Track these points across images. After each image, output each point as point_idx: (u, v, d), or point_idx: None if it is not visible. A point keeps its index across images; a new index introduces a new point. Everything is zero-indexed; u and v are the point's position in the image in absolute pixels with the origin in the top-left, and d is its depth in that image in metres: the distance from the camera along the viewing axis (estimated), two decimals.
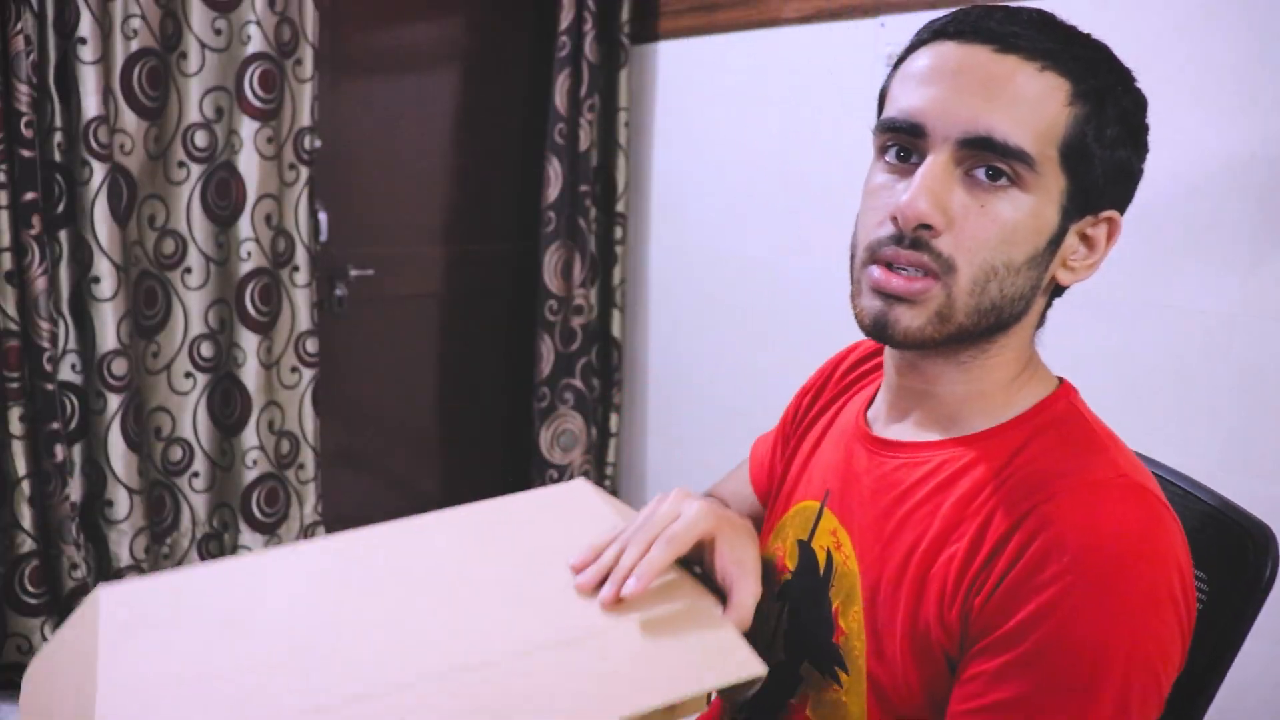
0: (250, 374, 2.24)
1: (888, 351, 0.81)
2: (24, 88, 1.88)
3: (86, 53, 1.95)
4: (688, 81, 2.60)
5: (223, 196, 2.18)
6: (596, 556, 0.76)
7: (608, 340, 2.82)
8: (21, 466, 1.99)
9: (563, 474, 2.79)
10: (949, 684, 0.69)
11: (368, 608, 0.74)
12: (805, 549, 0.83)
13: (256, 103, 2.14)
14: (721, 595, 0.77)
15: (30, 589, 2.05)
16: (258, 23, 2.10)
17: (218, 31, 2.11)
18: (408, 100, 2.58)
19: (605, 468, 2.88)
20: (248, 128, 2.14)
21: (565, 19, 2.56)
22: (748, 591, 0.76)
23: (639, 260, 2.79)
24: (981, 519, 0.69)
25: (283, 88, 2.18)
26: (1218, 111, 1.56)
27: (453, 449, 2.86)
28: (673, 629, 0.72)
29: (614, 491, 2.92)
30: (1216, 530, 0.81)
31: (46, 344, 1.98)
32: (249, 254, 2.20)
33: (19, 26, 1.87)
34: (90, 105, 1.96)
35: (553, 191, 2.64)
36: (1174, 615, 0.65)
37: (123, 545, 2.14)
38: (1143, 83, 0.74)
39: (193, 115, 2.11)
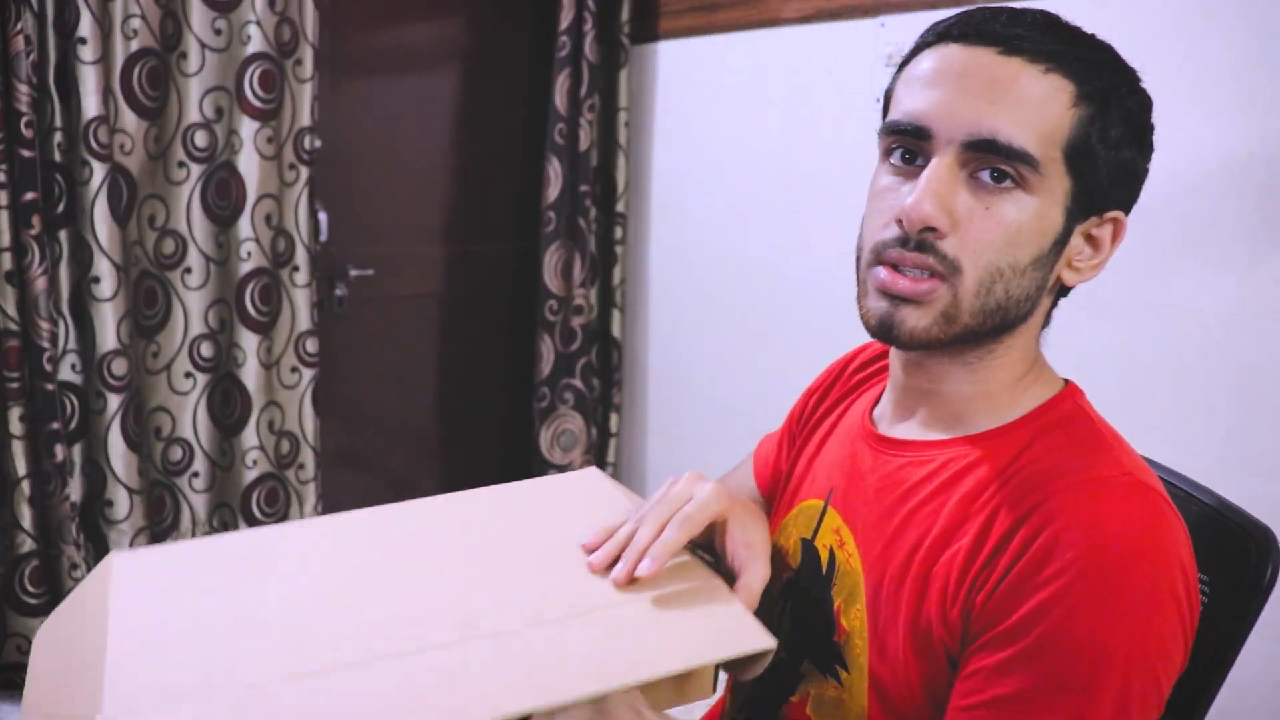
0: (250, 374, 2.24)
1: (893, 351, 0.82)
2: (24, 88, 1.88)
3: (86, 53, 1.95)
4: (688, 81, 2.60)
5: (223, 196, 2.18)
6: (608, 537, 0.77)
7: (608, 340, 2.82)
8: (21, 466, 1.99)
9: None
10: (950, 682, 0.69)
11: (378, 578, 0.75)
12: (808, 547, 0.84)
13: (256, 103, 2.14)
14: (730, 579, 0.78)
15: (30, 589, 2.05)
16: (258, 23, 2.10)
17: (218, 31, 2.11)
18: (408, 100, 2.58)
19: (605, 468, 2.88)
20: (248, 128, 2.14)
21: (565, 19, 2.56)
22: (757, 574, 0.77)
23: (639, 260, 2.80)
24: (985, 516, 0.69)
25: (283, 88, 2.18)
26: (1217, 111, 1.56)
27: (453, 449, 2.86)
28: (683, 604, 0.73)
29: None
30: (1218, 532, 0.81)
31: (46, 344, 1.98)
32: (249, 254, 2.20)
33: (19, 26, 1.87)
34: (90, 105, 1.96)
35: (553, 191, 2.64)
36: (1176, 614, 0.65)
37: (123, 545, 2.14)
38: (1142, 82, 0.74)
39: (193, 115, 2.11)
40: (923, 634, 0.71)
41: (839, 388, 0.94)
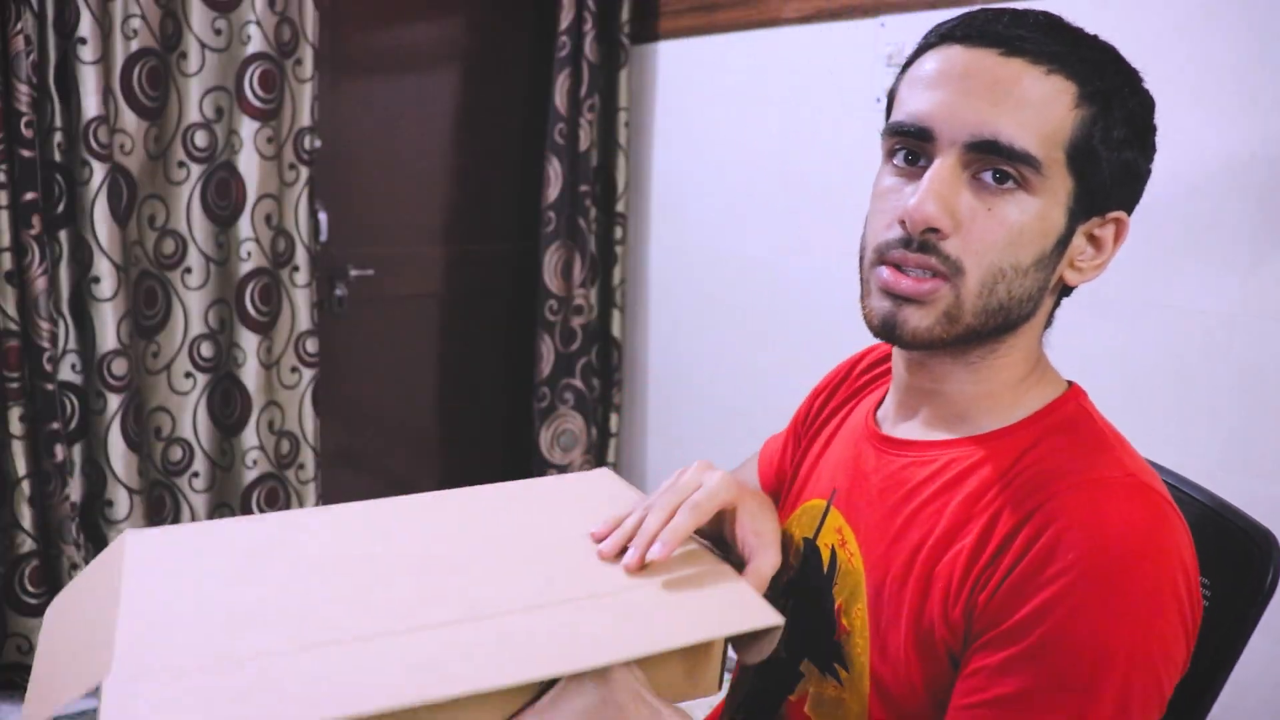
0: (250, 374, 2.24)
1: (896, 351, 0.82)
2: (24, 88, 1.88)
3: (86, 53, 1.95)
4: (688, 81, 2.60)
5: (223, 196, 2.18)
6: (617, 526, 0.78)
7: (608, 340, 2.82)
8: (21, 466, 1.99)
9: (562, 474, 2.79)
10: (951, 682, 0.70)
11: (385, 562, 0.76)
12: (810, 546, 0.84)
13: (256, 103, 2.14)
14: (740, 567, 0.78)
15: (30, 589, 2.05)
16: (258, 23, 2.10)
17: (218, 31, 2.11)
18: (408, 100, 2.58)
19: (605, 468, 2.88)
20: (248, 128, 2.14)
21: (565, 19, 2.56)
22: (767, 560, 0.77)
23: (639, 260, 2.80)
24: (988, 517, 0.70)
25: (283, 88, 2.18)
26: (1218, 111, 1.56)
27: (453, 449, 2.86)
28: (692, 586, 0.74)
29: None
30: (1219, 534, 0.81)
31: (46, 344, 1.98)
32: (249, 254, 2.20)
33: (19, 26, 1.86)
34: (90, 105, 1.96)
35: (553, 191, 2.64)
36: (1178, 615, 0.65)
37: None
38: (1144, 83, 0.74)
39: (193, 115, 2.11)
40: (925, 633, 0.71)
41: (845, 389, 0.94)
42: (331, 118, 2.41)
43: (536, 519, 0.84)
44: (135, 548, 0.75)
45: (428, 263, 2.70)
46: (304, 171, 2.23)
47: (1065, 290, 0.77)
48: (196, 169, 2.14)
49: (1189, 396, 1.63)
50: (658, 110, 2.69)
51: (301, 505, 2.36)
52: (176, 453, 2.23)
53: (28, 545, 2.03)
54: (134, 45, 2.01)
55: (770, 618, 0.72)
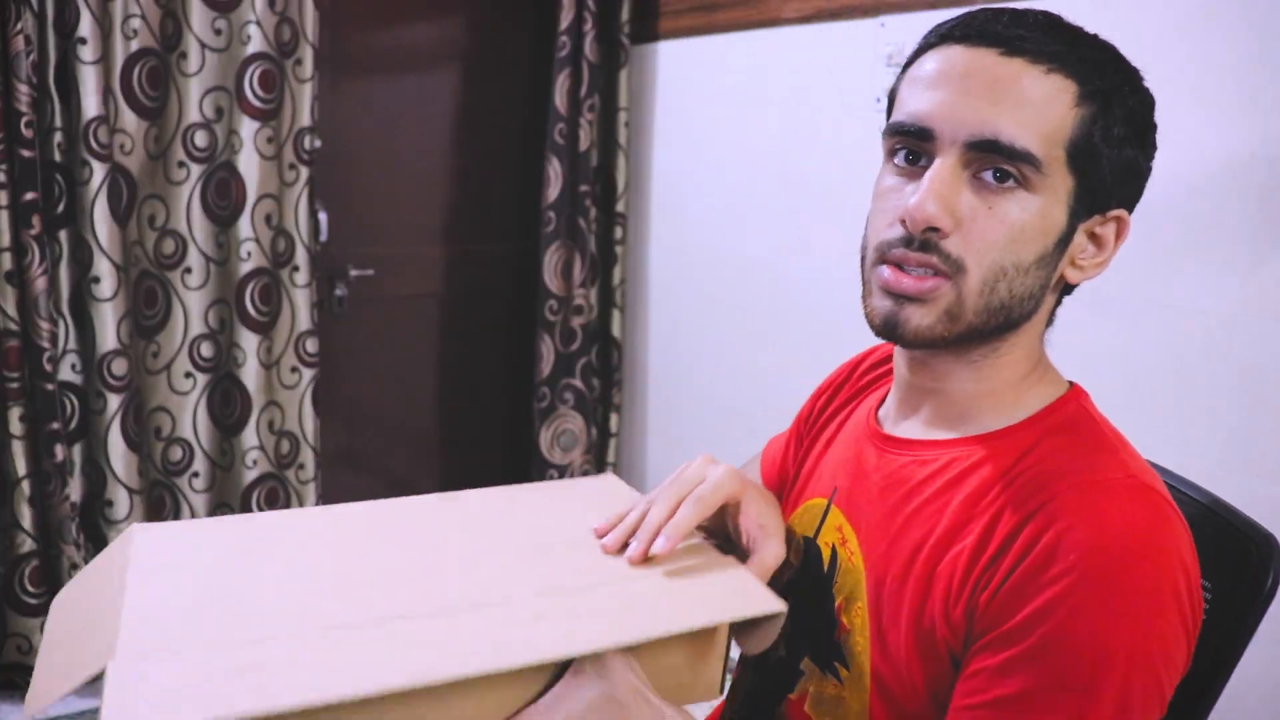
0: (250, 374, 2.24)
1: (898, 350, 0.82)
2: (24, 88, 1.88)
3: (86, 53, 1.95)
4: (688, 81, 2.60)
5: (223, 196, 2.18)
6: (620, 521, 0.78)
7: (608, 340, 2.82)
8: (21, 466, 1.99)
9: (563, 474, 2.79)
10: (952, 682, 0.70)
11: (391, 556, 0.76)
12: (810, 545, 0.84)
13: (256, 103, 2.14)
14: (743, 559, 0.79)
15: (30, 589, 2.05)
16: (258, 23, 2.10)
17: (218, 31, 2.11)
18: (408, 100, 2.58)
19: (605, 468, 2.88)
20: (248, 128, 2.14)
21: (565, 19, 2.56)
22: (770, 552, 0.78)
23: (639, 260, 2.80)
24: (989, 517, 0.70)
25: (283, 88, 2.18)
26: (1218, 111, 1.56)
27: (453, 449, 2.86)
28: (694, 575, 0.75)
29: None
30: (1219, 535, 0.81)
31: (46, 344, 1.98)
32: (249, 254, 2.20)
33: (19, 26, 1.86)
34: (90, 105, 1.96)
35: (553, 191, 2.64)
36: (1178, 616, 0.65)
37: None
38: (1144, 81, 0.74)
39: (193, 115, 2.11)
40: (926, 633, 0.71)
41: (848, 388, 0.94)
42: (331, 118, 2.41)
43: (539, 519, 0.85)
44: (142, 541, 0.76)
45: (428, 263, 2.70)
46: (304, 171, 2.23)
47: (1067, 289, 0.77)
48: (196, 169, 2.14)
49: (1189, 396, 1.63)
50: (658, 110, 2.69)
51: (301, 505, 2.36)
52: (176, 453, 2.23)
53: (28, 545, 2.03)
54: (134, 45, 2.01)
55: (773, 604, 0.72)
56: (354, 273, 2.53)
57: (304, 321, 2.29)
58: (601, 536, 0.78)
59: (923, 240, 0.70)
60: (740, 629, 0.75)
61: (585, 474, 2.83)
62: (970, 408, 0.77)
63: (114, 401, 2.07)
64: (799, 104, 2.28)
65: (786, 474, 0.97)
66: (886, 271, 0.72)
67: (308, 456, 2.34)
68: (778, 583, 0.84)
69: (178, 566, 0.73)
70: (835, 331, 2.16)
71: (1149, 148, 0.74)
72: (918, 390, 0.80)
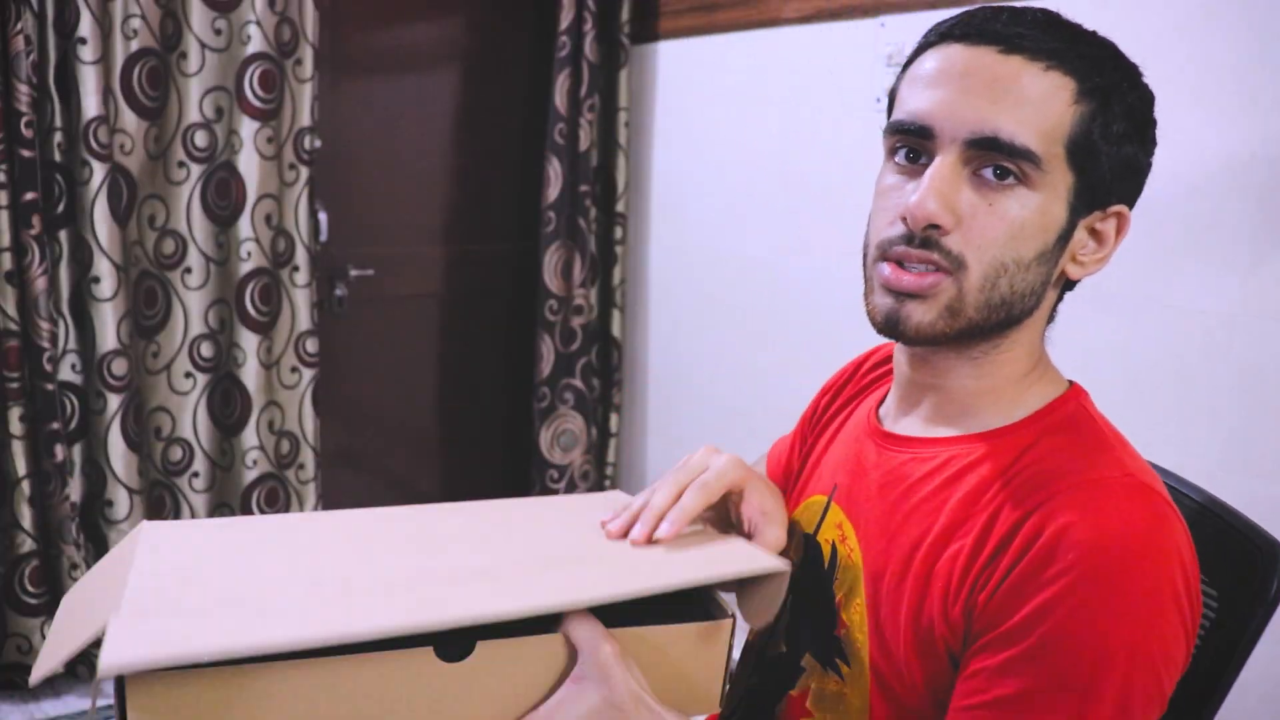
0: (250, 374, 2.24)
1: (899, 347, 0.82)
2: (24, 88, 1.88)
3: (86, 53, 1.95)
4: (688, 81, 2.60)
5: (223, 196, 2.18)
6: (624, 512, 0.79)
7: (608, 340, 2.82)
8: (21, 466, 1.99)
9: (563, 474, 2.79)
10: (951, 680, 0.70)
11: (398, 546, 0.77)
12: (810, 542, 0.84)
13: (256, 103, 2.14)
14: None
15: (30, 589, 2.05)
16: (258, 23, 2.10)
17: (218, 31, 2.11)
18: (408, 100, 2.58)
19: (605, 468, 2.88)
20: (248, 128, 2.14)
21: (565, 19, 2.56)
22: (771, 534, 0.79)
23: (639, 260, 2.80)
24: (987, 516, 0.70)
25: (283, 88, 2.18)
26: (1218, 111, 1.56)
27: (453, 449, 2.86)
28: (698, 544, 0.77)
29: None
30: (1221, 538, 0.80)
31: (46, 344, 1.98)
32: (249, 254, 2.20)
33: (19, 26, 1.87)
34: (90, 105, 1.96)
35: (553, 191, 2.64)
36: (1178, 614, 0.65)
37: None
38: (1144, 78, 0.74)
39: (193, 115, 2.11)
40: (924, 631, 0.71)
41: (851, 387, 0.95)
42: (331, 118, 2.41)
43: (544, 522, 0.86)
44: (151, 535, 0.77)
45: (428, 263, 2.70)
46: (304, 171, 2.23)
47: (1068, 285, 0.77)
48: (196, 169, 2.14)
49: (1189, 397, 1.63)
50: (658, 110, 2.69)
51: (301, 505, 2.36)
52: (176, 453, 2.23)
53: (28, 545, 2.03)
54: (134, 45, 2.01)
55: (776, 563, 0.73)
56: (354, 273, 2.54)
57: (304, 321, 2.29)
58: (604, 527, 0.79)
59: (923, 237, 0.70)
60: (744, 599, 0.76)
61: (585, 474, 2.83)
62: (970, 405, 0.77)
63: (114, 401, 2.07)
64: (799, 104, 2.28)
65: (791, 473, 0.97)
66: (887, 269, 0.72)
67: (308, 456, 2.34)
68: None
69: (182, 553, 0.74)
70: (835, 331, 2.16)
71: (1148, 144, 0.74)
72: (918, 387, 0.80)
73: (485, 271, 2.79)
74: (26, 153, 1.91)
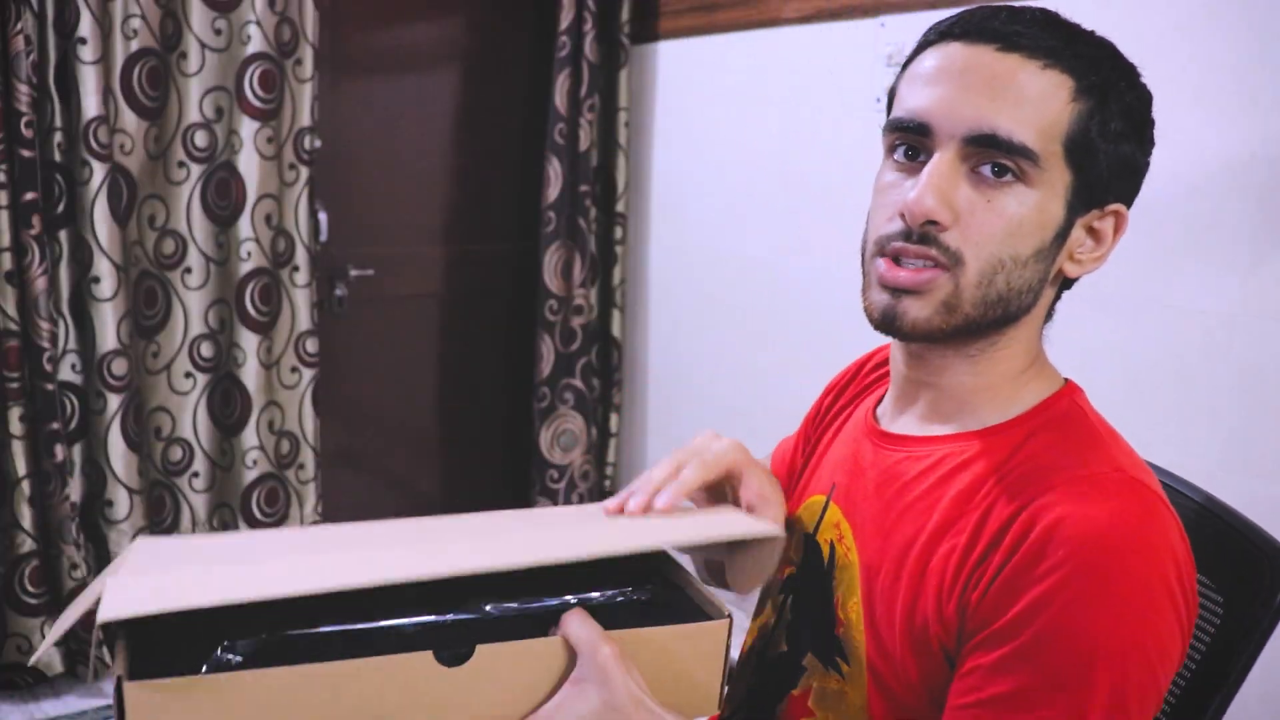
0: (250, 374, 2.24)
1: (895, 344, 0.82)
2: (24, 88, 1.88)
3: (86, 53, 1.95)
4: (688, 81, 2.61)
5: (223, 196, 2.18)
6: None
7: (608, 340, 2.82)
8: (21, 466, 1.99)
9: (563, 474, 2.79)
10: (947, 678, 0.70)
11: (395, 552, 0.77)
12: (809, 541, 0.84)
13: (256, 103, 2.14)
14: None
15: (30, 589, 2.05)
16: (258, 23, 2.11)
17: (218, 31, 2.11)
18: (408, 100, 2.58)
19: (605, 468, 2.88)
20: (248, 128, 2.14)
21: (565, 19, 2.56)
22: (770, 516, 0.79)
23: (639, 260, 2.80)
24: (980, 513, 0.70)
25: (283, 88, 2.18)
26: (1218, 111, 1.56)
27: (453, 449, 2.86)
28: (694, 513, 0.79)
29: (614, 492, 2.92)
30: (1225, 543, 0.80)
31: (46, 344, 1.98)
32: (249, 254, 2.20)
33: (19, 26, 1.87)
34: (90, 105, 1.96)
35: (553, 191, 2.64)
36: (1172, 609, 0.65)
37: (123, 545, 2.14)
38: (1142, 77, 0.74)
39: (193, 115, 2.11)
40: (919, 629, 0.71)
41: (853, 387, 0.95)
42: (331, 118, 2.41)
43: (544, 518, 0.87)
44: (145, 544, 0.78)
45: (428, 263, 2.70)
46: (304, 171, 2.23)
47: (1066, 283, 0.77)
48: (196, 169, 2.14)
49: (1189, 397, 1.63)
50: (658, 110, 2.69)
51: (301, 505, 2.36)
52: (176, 453, 2.23)
53: (28, 545, 2.03)
54: (134, 45, 2.01)
55: (771, 529, 0.74)
56: (354, 273, 2.54)
57: (304, 321, 2.29)
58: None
59: (921, 233, 0.71)
60: (733, 566, 0.78)
61: (585, 474, 2.83)
62: (966, 402, 0.77)
63: (114, 401, 2.07)
64: (799, 104, 2.28)
65: (794, 472, 0.98)
66: (883, 264, 0.73)
67: (308, 456, 2.34)
68: (778, 579, 0.84)
69: (175, 555, 0.75)
70: (835, 331, 2.16)
71: (1146, 143, 0.74)
72: (914, 384, 0.80)
73: (485, 271, 2.79)
74: (26, 153, 1.91)
